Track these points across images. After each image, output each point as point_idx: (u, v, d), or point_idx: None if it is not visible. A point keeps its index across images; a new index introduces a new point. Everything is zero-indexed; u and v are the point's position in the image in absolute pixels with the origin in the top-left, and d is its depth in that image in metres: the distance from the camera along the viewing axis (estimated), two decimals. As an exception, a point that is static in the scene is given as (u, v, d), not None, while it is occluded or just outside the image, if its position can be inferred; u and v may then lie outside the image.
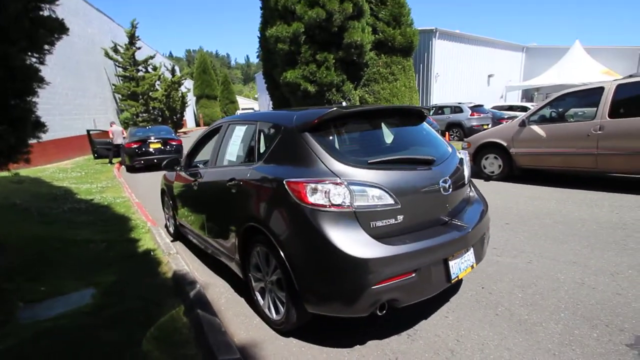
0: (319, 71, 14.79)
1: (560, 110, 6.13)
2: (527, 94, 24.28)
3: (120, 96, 19.56)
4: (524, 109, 16.31)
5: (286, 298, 2.07)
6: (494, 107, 17.39)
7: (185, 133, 26.02)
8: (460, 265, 2.09)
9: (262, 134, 2.50)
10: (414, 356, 1.94)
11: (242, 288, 2.89)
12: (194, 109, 39.00)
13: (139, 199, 6.67)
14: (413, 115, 2.53)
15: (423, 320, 2.27)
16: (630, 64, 20.29)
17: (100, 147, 12.17)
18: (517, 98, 24.21)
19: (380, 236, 1.85)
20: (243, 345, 2.13)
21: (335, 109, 2.06)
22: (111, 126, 12.34)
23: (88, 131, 12.33)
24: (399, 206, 1.91)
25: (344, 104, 14.70)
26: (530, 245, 3.41)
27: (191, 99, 33.77)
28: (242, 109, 22.43)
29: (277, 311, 2.23)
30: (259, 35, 18.61)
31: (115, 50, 18.94)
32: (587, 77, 17.03)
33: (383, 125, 2.38)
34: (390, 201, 1.89)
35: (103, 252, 3.84)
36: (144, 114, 19.88)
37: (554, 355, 1.87)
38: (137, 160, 10.46)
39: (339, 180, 1.84)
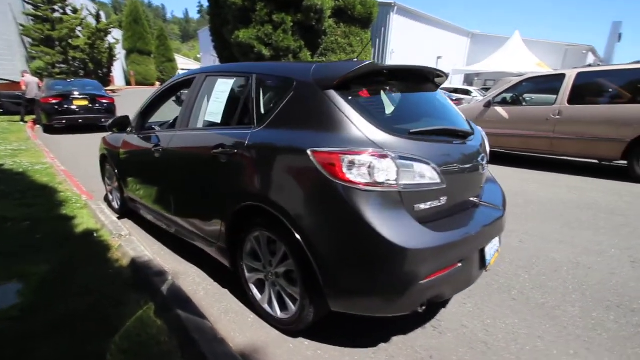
0: (275, 33, 13.75)
1: (523, 93, 6.37)
2: (469, 79, 25.73)
3: (30, 40, 16.20)
4: (466, 92, 17.20)
5: (300, 293, 1.68)
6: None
7: (113, 92, 22.78)
8: (491, 251, 1.90)
9: (261, 89, 1.97)
10: (448, 352, 1.72)
11: (222, 276, 2.42)
12: (123, 65, 34.30)
13: (65, 166, 5.53)
14: (432, 81, 2.20)
15: (443, 309, 2.07)
16: (557, 59, 22.44)
17: (6, 100, 9.98)
18: (460, 81, 25.54)
19: (424, 221, 1.54)
20: (243, 352, 1.72)
21: (370, 62, 1.63)
22: (23, 76, 10.10)
23: (-12, 80, 9.94)
24: (445, 186, 1.60)
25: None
26: (515, 224, 3.43)
27: (120, 53, 29.50)
28: (182, 69, 19.94)
29: (284, 308, 1.84)
30: (206, -15, 16.66)
31: (21, -18, 15.43)
32: (524, 67, 18.44)
33: (413, 88, 2.02)
34: (437, 180, 1.57)
35: (27, 233, 3.00)
36: (62, 65, 16.87)
37: (585, 342, 1.80)
38: (56, 119, 8.77)
39: (383, 152, 1.46)
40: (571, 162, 6.51)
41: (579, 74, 5.57)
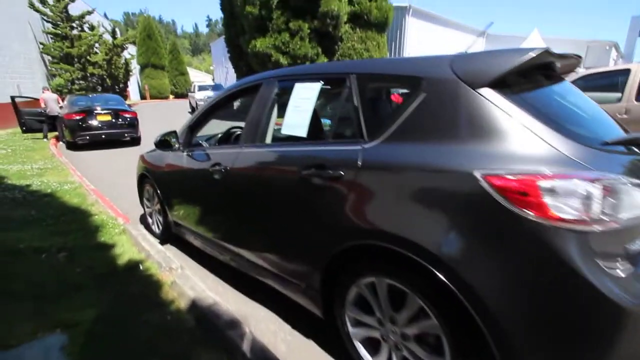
0: (292, 41, 13.52)
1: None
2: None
3: (50, 58, 16.36)
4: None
5: None
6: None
7: (130, 106, 22.97)
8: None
9: (366, 93, 1.56)
10: None
11: (302, 320, 2.00)
12: (138, 80, 34.79)
13: (93, 185, 5.23)
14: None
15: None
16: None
17: (29, 118, 9.86)
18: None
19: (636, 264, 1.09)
20: None
21: (545, 48, 1.21)
22: (43, 92, 10.03)
23: (12, 98, 9.86)
24: None
25: None
26: None
27: (135, 68, 29.90)
28: (194, 83, 19.58)
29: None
30: (221, -5, 16.64)
31: (43, 1, 15.61)
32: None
33: (555, 81, 1.58)
34: None
35: (65, 266, 2.65)
36: (81, 81, 16.95)
37: None
38: (80, 135, 8.59)
39: (595, 175, 1.02)
40: None
41: (648, 68, 5.04)
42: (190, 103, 19.95)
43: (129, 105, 10.87)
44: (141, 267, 2.64)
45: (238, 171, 2.06)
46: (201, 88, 18.15)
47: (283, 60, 13.63)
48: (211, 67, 43.71)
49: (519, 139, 1.11)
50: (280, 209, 1.81)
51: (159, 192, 3.06)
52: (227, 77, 30.81)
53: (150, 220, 3.50)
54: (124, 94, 21.56)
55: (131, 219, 3.81)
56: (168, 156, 2.87)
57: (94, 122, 8.69)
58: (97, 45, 18.34)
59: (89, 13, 17.82)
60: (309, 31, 13.57)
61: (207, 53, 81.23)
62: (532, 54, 1.17)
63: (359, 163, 1.41)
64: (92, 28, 18.21)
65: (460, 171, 1.13)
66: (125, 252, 2.90)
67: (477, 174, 1.10)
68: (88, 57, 17.25)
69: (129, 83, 22.85)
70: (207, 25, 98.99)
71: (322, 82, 1.77)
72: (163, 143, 2.72)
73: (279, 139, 1.95)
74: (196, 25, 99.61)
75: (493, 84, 1.21)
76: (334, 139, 1.64)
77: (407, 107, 1.36)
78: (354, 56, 15.79)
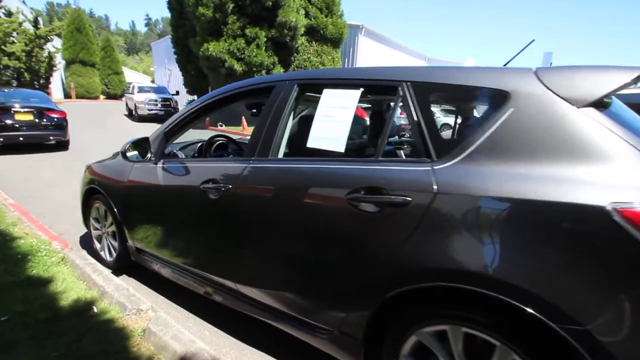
0: (248, 48, 13.07)
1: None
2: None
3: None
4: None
5: None
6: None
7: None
8: None
9: (428, 105, 1.33)
10: None
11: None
12: (62, 77, 30.89)
13: (14, 199, 4.24)
14: None
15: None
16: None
17: None
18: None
19: None
20: None
21: None
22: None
23: None
24: None
25: None
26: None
27: (60, 63, 26.43)
28: (132, 84, 17.35)
29: None
30: (168, -7, 15.58)
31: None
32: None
33: None
34: None
35: (-18, 315, 1.95)
36: (-9, 74, 14.43)
37: None
38: (-9, 137, 7.11)
39: None
40: None
41: None
42: (127, 105, 18.16)
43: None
44: (95, 310, 2.05)
45: (246, 191, 1.67)
46: (142, 90, 16.58)
47: (238, 66, 13.09)
48: (151, 69, 40.75)
49: (633, 163, 0.96)
50: (308, 239, 1.47)
51: (116, 211, 2.47)
52: (170, 79, 28.90)
53: (97, 245, 2.85)
54: (45, 90, 18.85)
55: (71, 243, 3.08)
56: (132, 168, 2.33)
57: (10, 122, 7.26)
58: (14, 34, 15.83)
59: (5, -4, 15.37)
60: (265, 39, 13.24)
61: (145, 53, 75.86)
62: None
63: (434, 187, 1.15)
64: (8, 14, 15.71)
65: (584, 204, 0.94)
66: (69, 289, 2.26)
67: (608, 206, 0.91)
68: (3, 47, 14.79)
69: (51, 79, 20.12)
70: (146, 25, 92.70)
71: (362, 90, 1.49)
72: (137, 151, 2.19)
73: (302, 153, 1.62)
74: (133, 23, 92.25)
75: (597, 103, 1.05)
76: (385, 156, 1.37)
77: (490, 123, 1.15)
78: (310, 68, 15.83)
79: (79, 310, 2.06)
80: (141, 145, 2.19)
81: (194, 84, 16.51)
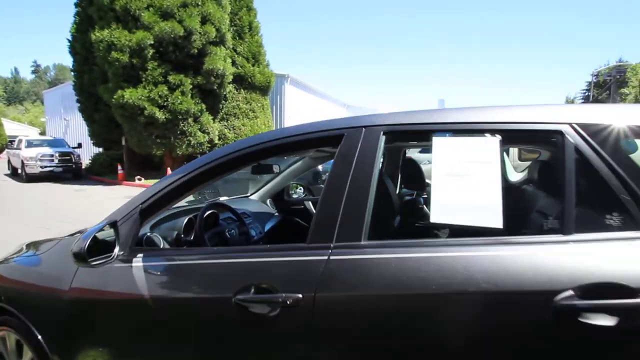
0: (171, 95, 12.02)
1: None
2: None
3: None
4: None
5: None
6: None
7: None
8: None
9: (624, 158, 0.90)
10: None
11: None
12: None
13: None
14: None
15: None
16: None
17: None
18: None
19: None
20: None
21: None
22: None
23: None
24: None
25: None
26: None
27: None
28: (19, 137, 13.86)
29: None
30: (70, 38, 13.89)
31: None
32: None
33: None
34: None
35: None
36: None
37: None
38: None
39: None
40: None
41: None
42: (10, 162, 14.91)
43: None
44: None
45: (335, 301, 0.98)
46: (31, 144, 13.76)
47: (160, 114, 11.84)
48: (42, 119, 35.43)
49: None
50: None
51: (42, 342, 1.44)
52: (68, 130, 25.28)
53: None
54: None
55: None
56: (79, 268, 1.40)
57: None
58: None
59: None
60: (191, 86, 12.41)
61: (31, 102, 66.22)
62: None
63: None
64: None
65: None
66: None
67: None
68: None
69: None
70: (34, 72, 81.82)
71: (500, 137, 1.02)
72: (99, 249, 1.29)
73: (414, 232, 1.03)
74: (16, 69, 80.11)
75: None
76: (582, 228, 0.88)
77: None
78: (240, 115, 15.35)
79: None
80: (108, 236, 1.31)
81: (103, 135, 14.43)
